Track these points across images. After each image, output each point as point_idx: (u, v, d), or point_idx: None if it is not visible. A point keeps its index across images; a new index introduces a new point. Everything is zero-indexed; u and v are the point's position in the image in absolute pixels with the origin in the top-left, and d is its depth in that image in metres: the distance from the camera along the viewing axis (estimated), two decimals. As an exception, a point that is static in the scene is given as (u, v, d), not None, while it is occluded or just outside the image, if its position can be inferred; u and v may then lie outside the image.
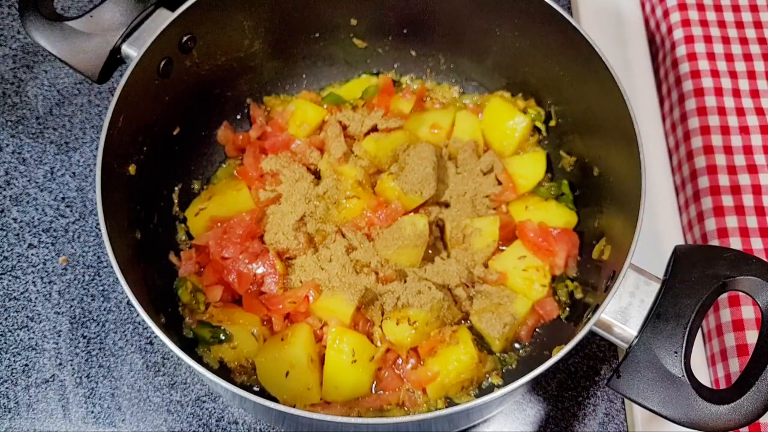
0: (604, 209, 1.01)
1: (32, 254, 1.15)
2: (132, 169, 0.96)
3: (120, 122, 0.90)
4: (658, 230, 1.17)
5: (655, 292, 0.79)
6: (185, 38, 1.00)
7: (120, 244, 0.85)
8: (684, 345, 0.75)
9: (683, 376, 0.74)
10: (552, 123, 1.14)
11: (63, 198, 1.19)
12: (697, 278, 0.78)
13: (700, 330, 1.09)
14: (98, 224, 1.16)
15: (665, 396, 0.74)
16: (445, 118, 1.16)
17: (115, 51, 0.97)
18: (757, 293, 0.76)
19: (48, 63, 1.31)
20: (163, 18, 0.97)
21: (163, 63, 0.98)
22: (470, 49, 1.17)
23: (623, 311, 0.79)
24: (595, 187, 1.04)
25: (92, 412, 1.04)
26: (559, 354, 0.77)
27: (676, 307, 0.77)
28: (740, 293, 0.95)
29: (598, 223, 1.03)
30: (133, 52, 0.96)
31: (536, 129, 1.16)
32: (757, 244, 1.10)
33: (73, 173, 1.22)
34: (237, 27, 1.09)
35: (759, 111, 1.21)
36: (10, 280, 1.13)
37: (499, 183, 1.12)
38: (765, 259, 0.81)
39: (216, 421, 1.04)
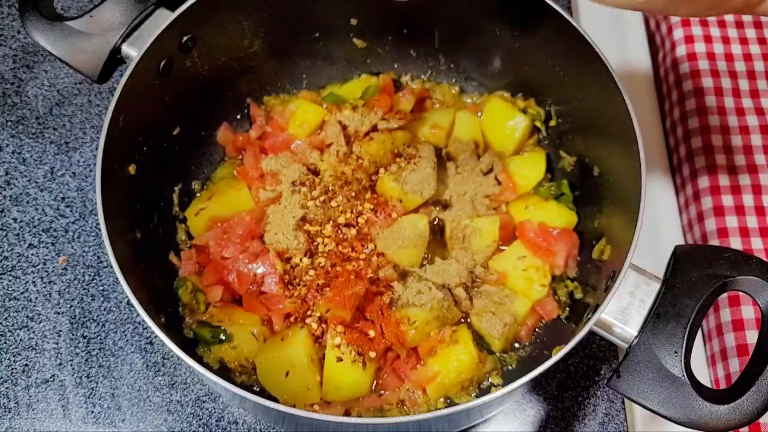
0: (604, 209, 1.01)
1: (32, 254, 1.15)
2: (132, 169, 0.96)
3: (120, 122, 0.90)
4: (658, 230, 1.17)
5: (655, 292, 0.79)
6: (185, 38, 1.00)
7: (120, 244, 0.85)
8: (684, 345, 0.75)
9: (683, 376, 0.74)
10: (552, 123, 1.13)
11: (63, 198, 1.19)
12: (697, 278, 0.77)
13: (700, 330, 1.09)
14: (98, 224, 1.16)
15: (665, 396, 0.74)
16: (444, 118, 1.16)
17: (115, 51, 0.97)
18: (757, 293, 0.76)
19: (48, 63, 1.31)
20: (163, 18, 0.97)
21: (163, 63, 0.98)
22: (470, 48, 1.17)
23: (623, 311, 0.79)
24: (595, 187, 1.03)
25: (92, 412, 1.04)
26: (559, 354, 0.77)
27: (676, 307, 0.77)
28: (740, 293, 0.95)
29: (598, 223, 1.03)
30: (133, 52, 0.96)
31: (536, 129, 1.16)
32: (757, 244, 1.10)
33: (73, 173, 1.22)
34: (237, 27, 1.09)
35: (759, 111, 1.21)
36: (10, 280, 1.13)
37: (499, 183, 1.12)
38: (765, 259, 0.80)
39: (216, 421, 1.04)
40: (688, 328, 0.75)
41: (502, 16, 1.07)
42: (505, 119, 1.14)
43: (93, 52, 0.97)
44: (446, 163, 1.13)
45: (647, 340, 0.76)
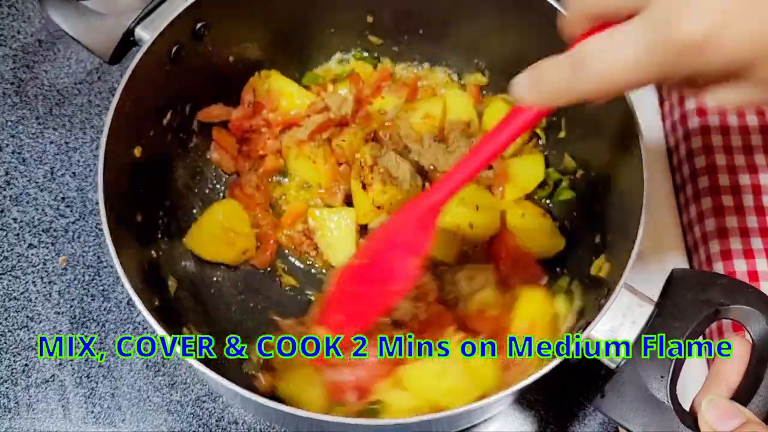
0: (606, 225, 1.00)
1: (32, 254, 1.15)
2: (138, 151, 0.96)
3: (127, 104, 0.90)
4: (658, 231, 1.17)
5: (648, 314, 0.78)
6: (199, 25, 1.00)
7: (120, 233, 0.85)
8: (671, 370, 0.74)
9: (667, 401, 0.73)
10: (561, 134, 1.12)
11: (63, 198, 1.19)
12: (691, 303, 0.77)
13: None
14: (98, 224, 1.17)
15: (647, 420, 0.73)
16: (436, 107, 1.16)
17: (129, 33, 0.97)
18: (750, 323, 0.75)
19: (48, 63, 1.31)
20: (178, 3, 0.97)
21: (175, 48, 0.98)
22: (487, 54, 1.17)
23: (614, 331, 0.78)
24: (599, 202, 1.02)
25: (92, 412, 1.04)
26: (548, 367, 0.77)
27: (667, 331, 0.76)
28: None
29: (599, 239, 1.02)
30: (146, 35, 0.96)
31: (535, 135, 1.16)
32: (757, 244, 1.09)
33: (73, 173, 1.22)
34: (251, 17, 1.08)
35: (759, 111, 1.21)
36: (10, 280, 1.12)
37: (490, 167, 1.12)
38: (760, 290, 0.78)
39: (216, 421, 1.04)
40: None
41: (522, 22, 1.05)
42: None
43: (106, 33, 0.96)
44: (435, 146, 1.13)
45: (635, 361, 0.76)
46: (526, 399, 1.06)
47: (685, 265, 1.15)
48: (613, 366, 0.78)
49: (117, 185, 0.88)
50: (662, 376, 0.74)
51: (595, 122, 1.02)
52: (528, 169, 1.12)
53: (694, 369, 1.00)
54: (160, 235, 1.03)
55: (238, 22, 1.07)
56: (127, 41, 0.98)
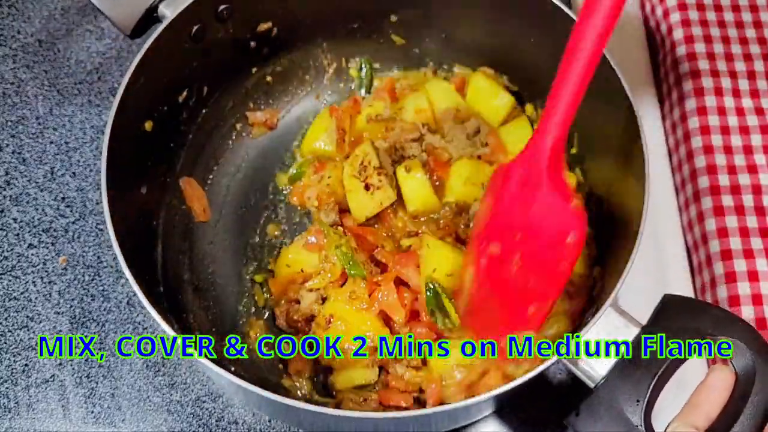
0: (604, 245, 1.00)
1: (32, 254, 1.15)
2: (148, 125, 0.97)
3: (142, 77, 0.91)
4: (658, 230, 1.17)
5: (633, 336, 0.77)
6: (222, 7, 1.02)
7: (119, 202, 0.86)
8: (648, 394, 0.73)
9: (640, 425, 0.72)
10: (573, 150, 1.11)
11: (63, 198, 1.19)
12: (677, 331, 0.76)
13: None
14: (98, 224, 1.17)
15: None
16: (421, 100, 1.16)
17: (152, 9, 0.99)
18: (736, 356, 0.75)
19: (48, 63, 1.31)
20: None
21: (196, 28, 1.00)
22: (505, 63, 1.18)
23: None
24: (604, 223, 1.03)
25: (92, 412, 1.04)
26: (526, 376, 0.77)
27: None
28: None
29: (598, 254, 1.01)
30: (168, 12, 0.97)
31: (519, 105, 1.18)
32: (757, 244, 1.09)
33: (73, 173, 1.22)
34: (275, 7, 1.09)
35: (759, 111, 1.21)
36: (10, 280, 1.12)
37: (486, 145, 1.12)
38: (751, 324, 0.78)
39: (216, 421, 1.04)
40: (655, 379, 0.74)
41: (541, 30, 1.07)
42: (490, 98, 1.15)
43: (131, 8, 0.99)
44: (431, 137, 1.14)
45: (613, 383, 0.75)
46: (525, 399, 1.06)
47: (686, 266, 1.15)
48: (591, 385, 0.77)
49: (122, 152, 0.89)
50: (638, 400, 0.73)
51: (604, 137, 1.02)
52: (516, 133, 1.13)
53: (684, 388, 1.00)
54: (164, 214, 1.05)
55: (261, 11, 1.08)
56: (150, 17, 0.99)
